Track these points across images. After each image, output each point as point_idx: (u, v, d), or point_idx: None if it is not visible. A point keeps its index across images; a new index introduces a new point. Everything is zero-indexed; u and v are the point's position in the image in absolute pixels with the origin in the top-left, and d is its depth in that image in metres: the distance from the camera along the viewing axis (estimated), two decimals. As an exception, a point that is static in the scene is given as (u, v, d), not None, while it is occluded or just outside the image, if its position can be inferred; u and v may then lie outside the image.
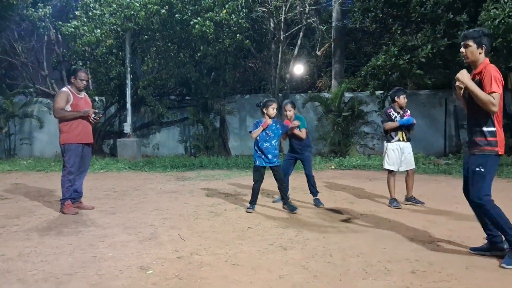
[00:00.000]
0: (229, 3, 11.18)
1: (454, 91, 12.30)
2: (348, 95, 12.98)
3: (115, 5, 11.35)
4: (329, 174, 9.20)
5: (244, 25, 11.48)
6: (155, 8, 11.08)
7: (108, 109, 13.94)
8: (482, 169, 3.34)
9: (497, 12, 8.71)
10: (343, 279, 3.07)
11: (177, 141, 14.62)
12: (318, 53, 14.94)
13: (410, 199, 5.78)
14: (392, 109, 5.73)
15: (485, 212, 3.37)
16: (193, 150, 14.02)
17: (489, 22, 8.70)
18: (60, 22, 12.10)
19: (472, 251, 3.63)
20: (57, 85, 13.89)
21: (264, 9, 12.58)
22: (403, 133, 5.65)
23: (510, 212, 3.50)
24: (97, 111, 5.66)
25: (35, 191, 7.17)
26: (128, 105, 12.59)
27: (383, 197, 6.23)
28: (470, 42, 3.41)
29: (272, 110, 5.30)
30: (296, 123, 5.47)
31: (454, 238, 4.10)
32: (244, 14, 11.56)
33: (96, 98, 13.24)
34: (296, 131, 5.64)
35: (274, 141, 5.31)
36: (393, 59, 10.54)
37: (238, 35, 11.55)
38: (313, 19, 13.86)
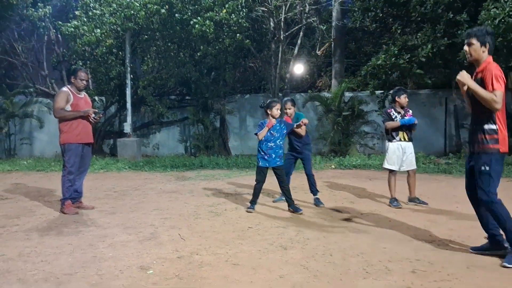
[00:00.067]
0: (229, 2, 11.18)
1: (455, 90, 12.18)
2: (348, 94, 12.97)
3: (115, 5, 11.35)
4: (329, 174, 9.20)
5: (244, 24, 11.47)
6: (155, 7, 11.07)
7: (108, 109, 13.95)
8: (487, 168, 3.33)
9: (497, 12, 8.71)
10: (343, 278, 3.07)
11: (177, 141, 14.62)
12: (318, 52, 14.93)
13: (413, 199, 5.76)
14: (392, 109, 5.72)
15: (491, 211, 3.35)
16: (193, 150, 14.02)
17: (489, 21, 8.70)
18: (60, 22, 12.10)
19: (473, 250, 3.63)
20: (57, 85, 13.90)
21: (264, 8, 12.58)
22: (405, 133, 5.64)
23: (511, 211, 3.49)
24: (97, 111, 5.67)
25: (35, 191, 7.17)
26: (128, 105, 12.59)
27: (383, 197, 6.23)
28: (474, 40, 3.40)
29: (276, 110, 5.30)
30: (305, 121, 5.44)
31: (455, 237, 4.10)
32: (244, 13, 11.55)
33: (96, 98, 13.25)
34: (296, 129, 5.63)
35: (278, 140, 5.31)
36: (393, 59, 10.53)
37: (238, 34, 11.55)
38: (313, 19, 13.85)
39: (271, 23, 13.01)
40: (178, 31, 11.98)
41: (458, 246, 3.82)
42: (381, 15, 11.51)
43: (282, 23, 12.61)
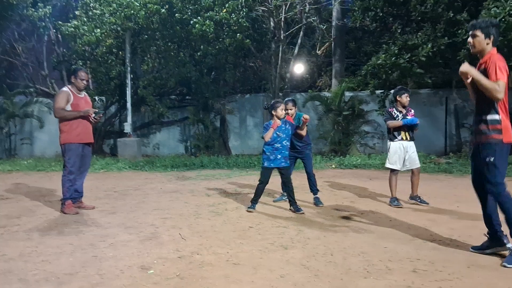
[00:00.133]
0: (229, 2, 11.19)
1: (455, 89, 12.13)
2: (348, 94, 12.97)
3: (115, 5, 11.35)
4: (330, 173, 9.20)
5: (244, 24, 11.47)
6: (155, 7, 11.08)
7: (108, 109, 13.96)
8: (492, 159, 3.32)
9: (497, 11, 8.71)
10: (344, 278, 3.07)
11: (178, 140, 14.62)
12: (318, 52, 14.94)
13: (415, 198, 5.76)
14: (394, 108, 5.71)
15: (500, 203, 3.33)
16: (193, 149, 14.02)
17: (490, 20, 8.68)
18: (60, 22, 12.12)
19: (473, 250, 3.62)
20: (57, 85, 13.90)
21: (264, 8, 12.58)
22: (406, 132, 5.64)
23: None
24: (97, 110, 5.66)
25: (36, 191, 7.17)
26: (128, 105, 12.59)
27: (384, 196, 6.23)
28: (478, 32, 3.38)
29: (281, 111, 5.30)
30: (306, 116, 5.46)
31: (455, 237, 4.10)
32: (244, 13, 11.56)
33: (96, 98, 13.25)
34: (300, 131, 5.66)
35: (284, 141, 5.32)
36: (393, 58, 10.53)
37: (238, 34, 11.55)
38: (313, 18, 13.87)
39: (271, 23, 13.02)
40: (178, 31, 11.99)
41: (459, 246, 3.81)
42: (381, 14, 11.50)
43: (282, 23, 12.61)
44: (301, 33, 13.51)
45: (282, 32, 12.69)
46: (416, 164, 5.70)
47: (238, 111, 14.50)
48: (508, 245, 3.42)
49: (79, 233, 4.34)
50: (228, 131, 14.30)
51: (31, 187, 7.58)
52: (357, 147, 12.36)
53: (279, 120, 5.31)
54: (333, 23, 13.77)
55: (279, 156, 5.27)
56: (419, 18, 10.90)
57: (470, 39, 3.45)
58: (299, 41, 13.59)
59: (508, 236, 3.43)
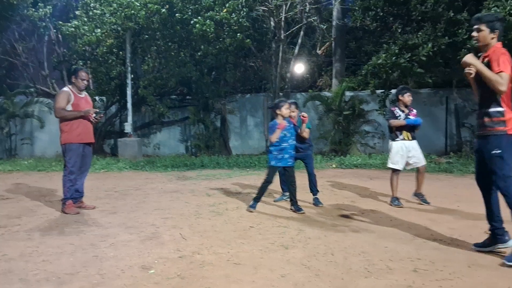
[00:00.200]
0: (230, 2, 11.19)
1: (456, 89, 12.11)
2: (348, 94, 12.97)
3: (115, 5, 11.35)
4: (330, 173, 9.20)
5: (245, 24, 11.47)
6: (155, 7, 11.08)
7: (108, 109, 13.96)
8: (498, 151, 3.29)
9: (498, 10, 8.70)
10: (345, 277, 3.07)
11: (178, 140, 14.62)
12: (319, 52, 14.93)
13: (418, 195, 5.76)
14: (396, 108, 5.71)
15: (507, 196, 3.29)
16: (194, 149, 14.02)
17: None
18: (60, 22, 12.12)
19: (475, 247, 3.63)
20: (57, 85, 13.91)
21: (264, 8, 12.58)
22: (408, 132, 5.64)
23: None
24: (98, 110, 5.66)
25: (36, 191, 7.17)
26: (129, 105, 12.59)
27: (384, 196, 6.23)
28: (483, 27, 3.36)
29: (285, 110, 5.32)
30: (305, 114, 5.50)
31: (456, 236, 4.09)
32: (245, 13, 11.56)
33: (97, 98, 13.26)
34: (303, 134, 5.69)
35: (290, 140, 5.34)
36: (393, 58, 10.52)
37: (238, 34, 11.55)
38: (313, 18, 13.86)
39: (272, 23, 13.02)
40: (179, 31, 11.98)
41: (460, 245, 3.81)
42: (381, 14, 11.50)
43: (282, 23, 12.61)
44: (302, 32, 13.50)
45: (282, 31, 12.69)
46: (422, 161, 5.70)
47: (238, 111, 14.50)
48: (510, 242, 3.42)
49: (79, 233, 4.34)
50: (229, 131, 14.30)
51: (32, 187, 7.58)
52: (357, 147, 12.36)
53: (285, 121, 5.32)
54: (334, 23, 13.76)
55: (287, 156, 5.30)
56: (420, 17, 10.90)
57: (475, 33, 3.42)
58: (299, 40, 13.58)
59: (511, 233, 3.43)
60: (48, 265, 3.37)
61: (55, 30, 13.40)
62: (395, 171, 5.68)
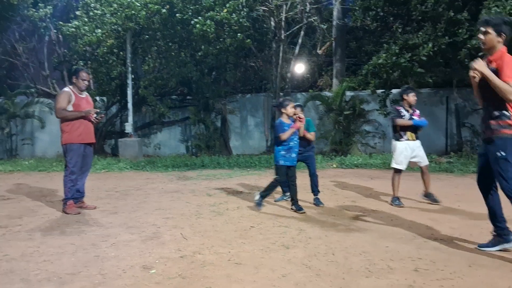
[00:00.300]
0: (230, 2, 11.19)
1: (456, 89, 12.07)
2: (349, 93, 12.97)
3: (115, 5, 11.36)
4: (331, 173, 9.20)
5: (245, 24, 11.48)
6: (155, 7, 11.08)
7: (109, 109, 13.97)
8: (503, 153, 3.28)
9: (498, 10, 8.69)
10: (346, 277, 3.07)
11: (179, 140, 14.63)
12: (319, 51, 14.93)
13: (428, 195, 5.75)
14: (402, 107, 5.72)
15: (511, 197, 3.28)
16: (194, 149, 14.03)
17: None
18: (61, 22, 12.13)
19: (480, 248, 3.62)
20: (58, 85, 13.92)
21: (265, 8, 12.59)
22: (412, 132, 5.65)
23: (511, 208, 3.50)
24: (98, 111, 5.67)
25: (37, 191, 7.18)
26: (130, 105, 12.60)
27: (385, 196, 6.23)
28: (490, 30, 3.34)
29: (290, 108, 5.33)
30: (301, 116, 5.51)
31: (457, 236, 4.10)
32: (245, 13, 11.56)
33: (98, 98, 13.27)
34: (307, 135, 5.70)
35: (296, 138, 5.38)
36: (394, 58, 10.53)
37: (239, 34, 11.55)
38: (314, 18, 13.86)
39: (272, 23, 13.03)
40: (179, 31, 11.99)
41: (460, 245, 3.81)
42: (382, 14, 11.50)
43: (283, 23, 12.62)
44: (302, 32, 13.51)
45: (282, 31, 12.70)
46: (425, 160, 5.70)
47: (239, 111, 14.51)
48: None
49: (81, 233, 4.35)
50: (229, 131, 14.31)
51: (33, 188, 7.59)
52: (358, 147, 12.36)
53: (299, 123, 5.34)
54: (334, 23, 13.76)
55: (294, 155, 5.34)
56: (420, 17, 10.89)
57: (481, 36, 3.41)
58: (299, 40, 13.59)
59: None
60: (49, 265, 3.37)
61: (55, 31, 13.40)
62: (397, 171, 5.68)
